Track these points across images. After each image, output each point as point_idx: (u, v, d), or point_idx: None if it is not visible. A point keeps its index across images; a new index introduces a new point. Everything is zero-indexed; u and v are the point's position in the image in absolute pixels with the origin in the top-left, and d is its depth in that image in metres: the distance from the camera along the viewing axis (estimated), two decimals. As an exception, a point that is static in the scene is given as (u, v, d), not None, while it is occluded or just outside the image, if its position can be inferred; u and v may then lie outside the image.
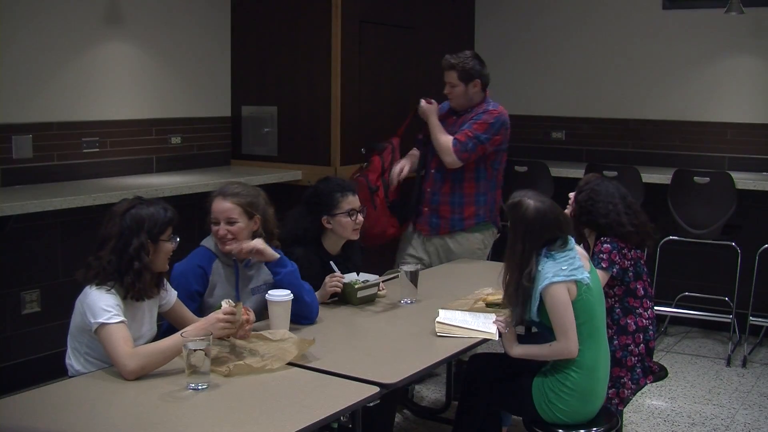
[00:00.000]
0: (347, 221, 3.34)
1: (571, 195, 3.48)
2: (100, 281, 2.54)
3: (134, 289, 2.58)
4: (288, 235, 3.29)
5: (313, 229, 3.36)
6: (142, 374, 2.42)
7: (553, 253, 2.81)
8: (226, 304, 2.56)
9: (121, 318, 2.49)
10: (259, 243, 2.92)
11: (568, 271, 2.77)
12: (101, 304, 2.49)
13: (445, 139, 4.16)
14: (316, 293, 3.19)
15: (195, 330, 2.48)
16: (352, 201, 3.36)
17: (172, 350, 2.45)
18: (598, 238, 3.37)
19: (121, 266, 2.56)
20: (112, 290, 2.54)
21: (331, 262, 3.31)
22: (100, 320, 2.46)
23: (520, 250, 2.80)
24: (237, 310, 2.56)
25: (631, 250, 3.33)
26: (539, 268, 2.78)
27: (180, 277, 2.91)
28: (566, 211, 3.37)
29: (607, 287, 3.31)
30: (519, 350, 2.89)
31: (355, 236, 3.41)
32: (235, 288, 3.02)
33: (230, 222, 2.95)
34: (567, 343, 2.78)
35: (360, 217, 3.38)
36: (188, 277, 2.94)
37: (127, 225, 2.59)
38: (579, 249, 2.93)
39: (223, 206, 2.97)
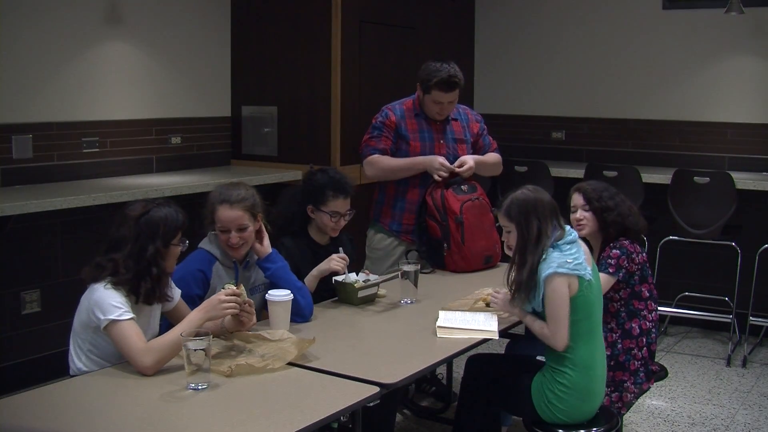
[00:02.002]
0: (327, 220, 3.35)
1: (580, 214, 3.40)
2: (115, 283, 2.53)
3: (153, 294, 2.59)
4: (279, 214, 3.34)
5: (300, 215, 3.39)
6: (159, 368, 2.43)
7: (559, 244, 2.83)
8: (228, 288, 2.60)
9: (132, 315, 2.49)
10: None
11: (573, 265, 2.79)
12: (111, 301, 2.48)
13: (495, 158, 4.09)
14: (316, 268, 3.23)
15: (198, 315, 2.52)
16: (341, 204, 3.36)
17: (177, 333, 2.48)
18: (606, 242, 3.37)
19: (139, 271, 2.56)
20: (122, 291, 2.53)
21: (341, 249, 3.33)
22: (111, 317, 2.46)
23: (536, 227, 2.82)
24: (240, 291, 2.60)
25: (639, 254, 3.33)
26: (545, 256, 2.80)
27: (180, 281, 2.90)
28: (582, 232, 3.35)
29: (613, 291, 3.32)
30: (517, 310, 2.91)
31: (334, 234, 3.42)
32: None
33: (241, 229, 2.96)
34: (556, 335, 2.79)
35: (342, 222, 3.38)
36: (188, 281, 2.93)
37: (143, 230, 2.59)
38: (583, 246, 2.94)
39: (232, 215, 2.94)
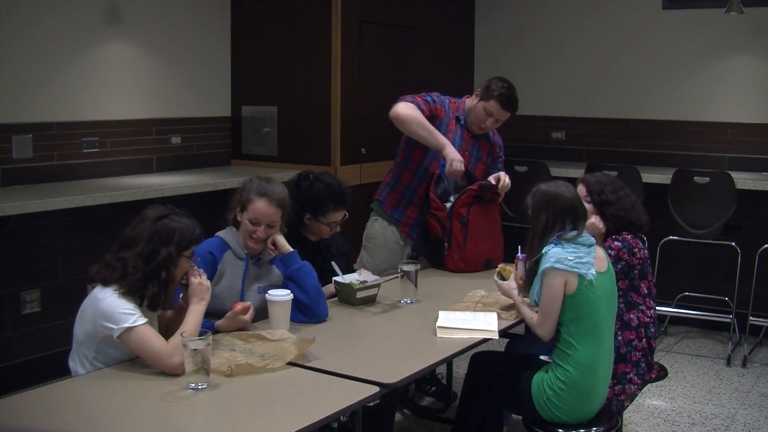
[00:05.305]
0: (325, 230, 3.40)
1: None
2: (124, 289, 2.48)
3: (159, 299, 2.54)
4: None
5: (296, 221, 3.39)
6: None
7: (562, 241, 2.86)
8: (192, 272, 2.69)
9: (145, 318, 2.46)
10: (279, 237, 3.03)
11: (573, 262, 2.81)
12: (120, 309, 2.44)
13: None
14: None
15: (198, 307, 2.59)
16: (340, 215, 3.40)
17: (197, 327, 2.52)
18: (608, 234, 3.37)
19: (147, 273, 2.51)
20: (127, 295, 2.49)
21: (333, 263, 3.32)
22: (125, 325, 2.42)
23: (543, 222, 2.90)
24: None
25: (640, 250, 3.33)
26: (544, 251, 2.85)
27: None
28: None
29: None
30: (519, 299, 3.04)
31: (327, 236, 3.45)
32: (242, 282, 3.02)
33: (271, 226, 2.98)
34: (542, 325, 2.89)
35: (338, 228, 3.43)
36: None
37: (159, 232, 2.56)
38: (599, 251, 2.95)
39: (270, 210, 2.96)
